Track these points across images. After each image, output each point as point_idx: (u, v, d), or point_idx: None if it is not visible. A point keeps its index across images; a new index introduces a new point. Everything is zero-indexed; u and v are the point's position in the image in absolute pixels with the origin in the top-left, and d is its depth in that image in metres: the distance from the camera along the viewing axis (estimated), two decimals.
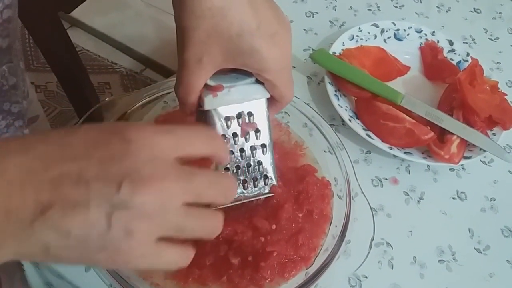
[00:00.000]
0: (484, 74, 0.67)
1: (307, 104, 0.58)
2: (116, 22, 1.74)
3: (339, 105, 0.62)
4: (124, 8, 1.81)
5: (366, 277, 0.52)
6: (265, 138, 0.45)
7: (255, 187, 0.47)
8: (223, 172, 0.45)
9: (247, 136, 0.44)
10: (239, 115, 0.43)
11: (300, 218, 0.52)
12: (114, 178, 0.26)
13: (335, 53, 0.66)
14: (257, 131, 0.44)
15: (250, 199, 0.46)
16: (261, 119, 0.44)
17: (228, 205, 0.43)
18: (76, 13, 0.83)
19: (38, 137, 0.27)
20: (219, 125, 0.43)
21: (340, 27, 0.76)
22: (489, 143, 0.59)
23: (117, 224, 0.26)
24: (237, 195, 0.46)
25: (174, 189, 0.28)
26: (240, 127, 0.44)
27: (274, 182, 0.47)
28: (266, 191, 0.47)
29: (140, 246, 0.27)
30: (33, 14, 0.78)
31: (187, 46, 0.38)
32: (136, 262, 0.28)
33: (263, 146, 0.45)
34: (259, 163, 0.46)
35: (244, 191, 0.47)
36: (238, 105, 0.43)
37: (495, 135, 0.62)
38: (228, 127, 0.43)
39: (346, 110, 0.62)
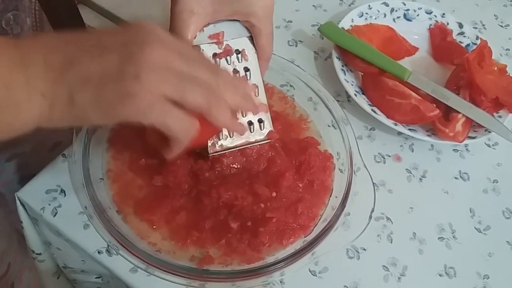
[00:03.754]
0: (493, 58, 0.67)
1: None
2: (123, 1, 1.73)
3: (345, 79, 0.61)
4: None
5: (365, 250, 0.52)
6: (256, 78, 0.45)
7: (251, 132, 0.46)
8: None
9: (237, 75, 0.44)
10: (227, 53, 0.44)
11: (300, 188, 0.51)
12: (126, 42, 0.32)
13: (344, 28, 0.66)
14: (246, 69, 0.45)
15: (247, 145, 0.46)
16: (249, 58, 0.45)
17: (225, 151, 0.45)
18: None
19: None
20: None
21: (349, 5, 0.75)
22: (495, 123, 0.58)
23: (127, 69, 0.31)
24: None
25: (174, 57, 0.33)
26: (229, 65, 0.44)
27: (271, 128, 0.46)
28: (263, 137, 0.47)
29: (148, 94, 0.31)
30: None
31: None
32: (146, 111, 0.32)
33: (255, 86, 0.45)
34: None
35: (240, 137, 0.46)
36: (225, 43, 0.44)
37: (501, 117, 0.62)
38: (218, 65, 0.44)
39: (352, 85, 0.61)
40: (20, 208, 0.50)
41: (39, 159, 0.65)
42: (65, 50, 0.32)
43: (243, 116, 0.46)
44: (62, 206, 0.49)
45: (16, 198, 0.49)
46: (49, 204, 0.49)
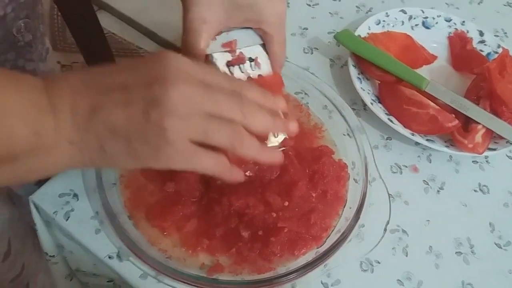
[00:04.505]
0: None
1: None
2: (142, 7, 1.76)
3: (361, 88, 0.60)
4: None
5: (379, 263, 0.51)
6: None
7: (265, 140, 0.46)
8: None
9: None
10: (240, 61, 0.43)
11: (313, 198, 0.51)
12: (148, 82, 0.32)
13: (360, 36, 0.65)
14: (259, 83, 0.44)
15: None
16: (263, 66, 0.44)
17: None
18: None
19: (94, 66, 0.34)
20: (222, 71, 0.43)
21: (367, 12, 0.74)
22: None
23: (152, 120, 0.31)
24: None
25: (197, 94, 0.32)
26: (243, 74, 0.44)
27: (286, 135, 0.46)
28: (277, 144, 0.46)
29: (176, 143, 0.32)
30: None
31: (191, 7, 0.40)
32: (175, 159, 0.32)
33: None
34: None
35: None
36: (238, 51, 0.43)
37: None
38: (231, 73, 0.43)
39: (368, 93, 0.60)
40: (34, 211, 0.50)
41: None
42: (88, 93, 0.32)
43: None
44: (74, 210, 0.49)
45: (30, 201, 0.50)
46: (62, 208, 0.49)
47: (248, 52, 0.44)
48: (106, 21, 1.72)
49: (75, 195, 0.50)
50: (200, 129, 0.32)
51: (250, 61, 0.44)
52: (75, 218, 0.49)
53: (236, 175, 0.37)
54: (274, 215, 0.47)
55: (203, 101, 0.32)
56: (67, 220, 0.48)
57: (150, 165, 0.33)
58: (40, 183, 0.75)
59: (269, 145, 0.46)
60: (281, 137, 0.47)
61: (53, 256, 0.56)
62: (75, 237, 0.48)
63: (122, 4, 1.75)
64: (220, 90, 0.34)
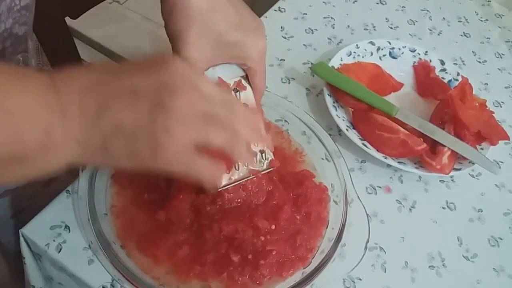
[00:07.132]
0: (474, 94, 0.71)
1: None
2: (113, 34, 1.76)
3: (337, 115, 0.64)
4: (122, 20, 1.83)
5: (360, 279, 0.54)
6: None
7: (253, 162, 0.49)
8: None
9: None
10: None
11: (298, 220, 0.53)
12: (156, 86, 0.34)
13: (334, 67, 0.70)
14: (245, 105, 0.47)
15: (252, 175, 0.48)
16: (247, 95, 0.48)
17: (232, 184, 0.47)
18: (74, 23, 0.85)
19: (101, 63, 0.34)
20: None
21: (338, 44, 0.79)
22: (478, 155, 0.62)
23: (157, 120, 0.33)
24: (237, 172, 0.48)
25: (199, 101, 0.35)
26: None
27: (272, 157, 0.49)
28: (265, 166, 0.49)
29: (176, 144, 0.33)
30: (41, 18, 0.79)
31: (181, 48, 0.42)
32: (173, 161, 0.34)
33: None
34: None
35: (245, 168, 0.48)
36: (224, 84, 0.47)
37: (483, 150, 0.66)
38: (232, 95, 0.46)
39: (343, 120, 0.65)
40: (23, 244, 0.50)
41: (33, 194, 0.65)
42: (97, 94, 0.33)
43: None
44: (66, 242, 0.49)
45: (20, 235, 0.50)
46: (54, 240, 0.49)
47: (232, 84, 0.48)
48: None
49: (67, 227, 0.51)
50: (201, 130, 0.34)
51: (235, 92, 0.48)
52: (67, 249, 0.49)
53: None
54: (263, 238, 0.50)
55: (203, 104, 0.35)
56: (59, 252, 0.49)
57: (148, 165, 0.34)
58: (15, 215, 0.73)
59: (258, 165, 0.49)
60: (267, 159, 0.50)
61: None
62: (67, 268, 0.48)
63: (92, 31, 1.75)
64: (215, 96, 0.36)
